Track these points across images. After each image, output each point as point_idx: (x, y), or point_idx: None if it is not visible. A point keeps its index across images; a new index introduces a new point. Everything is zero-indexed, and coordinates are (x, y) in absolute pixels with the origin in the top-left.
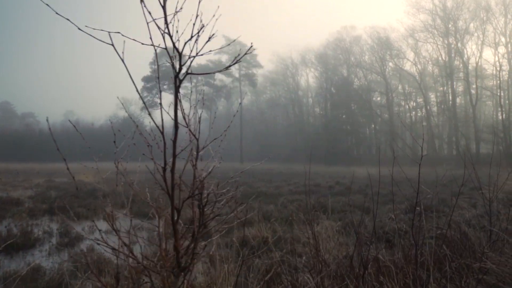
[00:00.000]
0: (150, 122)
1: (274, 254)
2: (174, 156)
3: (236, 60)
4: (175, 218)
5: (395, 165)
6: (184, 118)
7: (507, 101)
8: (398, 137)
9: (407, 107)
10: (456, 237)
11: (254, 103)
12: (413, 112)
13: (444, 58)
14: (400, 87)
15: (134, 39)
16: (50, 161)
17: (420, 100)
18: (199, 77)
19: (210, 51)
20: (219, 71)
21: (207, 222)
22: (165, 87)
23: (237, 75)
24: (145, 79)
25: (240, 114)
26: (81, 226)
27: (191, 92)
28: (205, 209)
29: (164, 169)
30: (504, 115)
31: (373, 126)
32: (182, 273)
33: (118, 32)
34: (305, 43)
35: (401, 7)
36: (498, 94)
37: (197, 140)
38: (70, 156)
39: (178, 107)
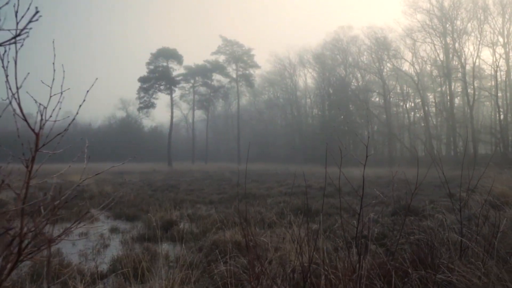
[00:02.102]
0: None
1: (242, 259)
2: None
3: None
4: None
5: (391, 166)
6: (21, 110)
7: (505, 102)
8: (396, 138)
9: (405, 107)
10: (422, 245)
11: (252, 104)
12: (412, 113)
13: (441, 59)
14: (398, 87)
15: None
16: (47, 162)
17: (418, 100)
18: (197, 78)
19: None
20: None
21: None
22: (161, 87)
23: (234, 76)
24: (142, 80)
25: (237, 115)
26: (57, 228)
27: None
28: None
29: None
30: (502, 115)
31: (370, 127)
32: None
33: None
34: (304, 43)
35: (399, 8)
36: (496, 94)
37: (37, 135)
38: (67, 156)
39: None
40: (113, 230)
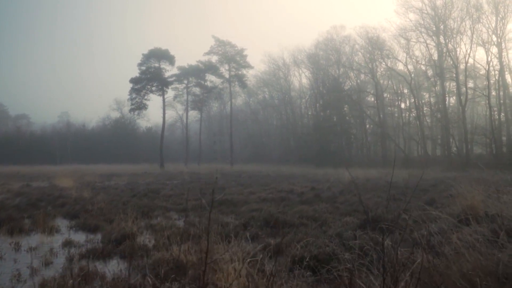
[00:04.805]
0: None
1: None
2: None
3: None
4: None
5: (386, 167)
6: None
7: (499, 101)
8: (390, 138)
9: (399, 107)
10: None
11: (247, 104)
12: (406, 113)
13: (434, 58)
14: (394, 87)
15: None
16: (39, 164)
17: (412, 100)
18: (190, 78)
19: None
20: None
21: None
22: (153, 88)
23: (227, 76)
24: (134, 81)
25: (230, 116)
26: (13, 241)
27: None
28: None
29: None
30: (496, 115)
31: (364, 127)
32: None
33: None
34: (297, 43)
35: (392, 7)
36: (491, 94)
37: None
38: (62, 157)
39: None
40: (67, 244)
